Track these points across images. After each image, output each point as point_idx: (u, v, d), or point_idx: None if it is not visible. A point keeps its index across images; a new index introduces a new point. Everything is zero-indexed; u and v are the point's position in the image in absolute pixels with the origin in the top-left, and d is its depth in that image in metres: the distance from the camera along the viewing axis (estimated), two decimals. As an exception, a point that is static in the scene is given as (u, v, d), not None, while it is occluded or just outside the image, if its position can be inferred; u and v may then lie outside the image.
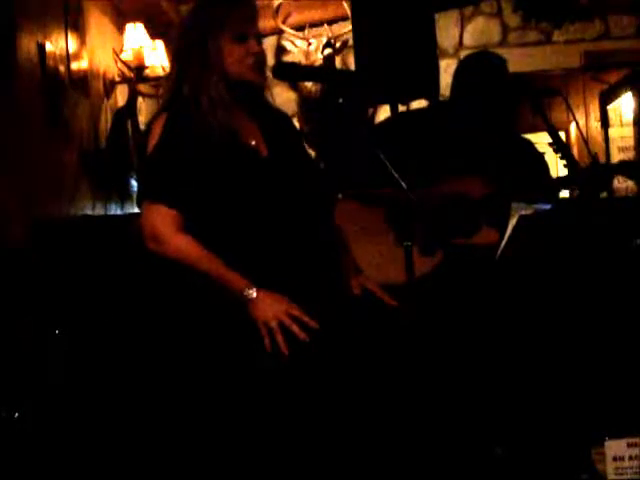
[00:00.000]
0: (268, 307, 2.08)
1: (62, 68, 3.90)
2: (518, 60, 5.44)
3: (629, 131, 5.68)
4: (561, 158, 3.05)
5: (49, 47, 3.71)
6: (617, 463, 2.53)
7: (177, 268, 2.15)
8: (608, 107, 5.90)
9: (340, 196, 3.01)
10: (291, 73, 2.41)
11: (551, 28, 5.96)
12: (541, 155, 3.26)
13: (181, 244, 2.14)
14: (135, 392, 2.82)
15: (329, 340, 2.07)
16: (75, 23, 4.15)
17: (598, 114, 6.12)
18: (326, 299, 2.18)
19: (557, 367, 2.90)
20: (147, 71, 4.77)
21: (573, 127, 6.39)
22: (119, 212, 4.56)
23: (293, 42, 5.59)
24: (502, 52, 3.60)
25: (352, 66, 4.80)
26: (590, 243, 3.00)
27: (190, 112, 2.21)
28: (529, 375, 2.86)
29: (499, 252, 2.67)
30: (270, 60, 2.61)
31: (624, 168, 3.09)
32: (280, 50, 5.79)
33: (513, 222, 2.61)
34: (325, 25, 5.61)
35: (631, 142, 5.66)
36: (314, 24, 5.66)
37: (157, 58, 4.80)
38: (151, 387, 2.60)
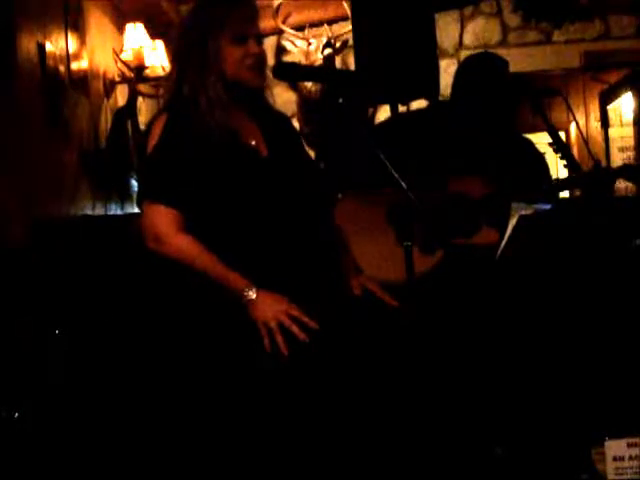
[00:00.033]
0: (268, 307, 2.08)
1: (62, 68, 3.90)
2: (518, 60, 5.44)
3: (629, 131, 5.68)
4: (561, 158, 3.05)
5: (49, 47, 3.71)
6: (617, 463, 2.53)
7: (177, 268, 2.15)
8: (608, 107, 5.90)
9: (340, 196, 3.01)
10: (291, 73, 2.41)
11: (551, 28, 5.96)
12: (541, 155, 3.26)
13: (181, 244, 2.15)
14: (135, 392, 2.82)
15: (329, 340, 2.07)
16: (75, 23, 4.15)
17: (598, 114, 6.12)
18: (326, 299, 2.18)
19: (557, 367, 2.90)
20: (147, 71, 4.76)
21: (573, 127, 6.39)
22: (119, 212, 4.56)
23: (293, 42, 5.59)
24: (502, 52, 3.61)
25: (352, 66, 4.80)
26: (590, 243, 3.00)
27: (190, 112, 2.21)
28: (529, 375, 2.86)
29: (499, 252, 2.67)
30: (270, 60, 2.60)
31: (626, 172, 3.09)
32: (280, 50, 5.79)
33: (513, 222, 2.61)
34: (325, 25, 5.61)
35: (631, 142, 5.66)
36: (314, 24, 5.65)
37: (157, 58, 4.80)
38: (151, 387, 2.60)
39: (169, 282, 2.24)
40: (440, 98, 3.26)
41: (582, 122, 6.36)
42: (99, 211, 4.28)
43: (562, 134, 3.61)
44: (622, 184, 4.79)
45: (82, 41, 4.26)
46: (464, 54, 5.54)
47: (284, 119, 2.49)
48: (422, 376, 2.21)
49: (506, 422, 2.82)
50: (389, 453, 2.11)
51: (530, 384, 2.86)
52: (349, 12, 4.36)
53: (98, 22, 4.63)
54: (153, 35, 4.81)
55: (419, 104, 3.70)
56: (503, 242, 2.65)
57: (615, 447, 2.53)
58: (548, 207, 2.74)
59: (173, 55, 2.43)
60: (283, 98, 5.50)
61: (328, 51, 5.48)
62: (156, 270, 2.24)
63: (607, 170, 3.30)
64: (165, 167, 2.18)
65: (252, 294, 2.09)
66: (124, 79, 4.80)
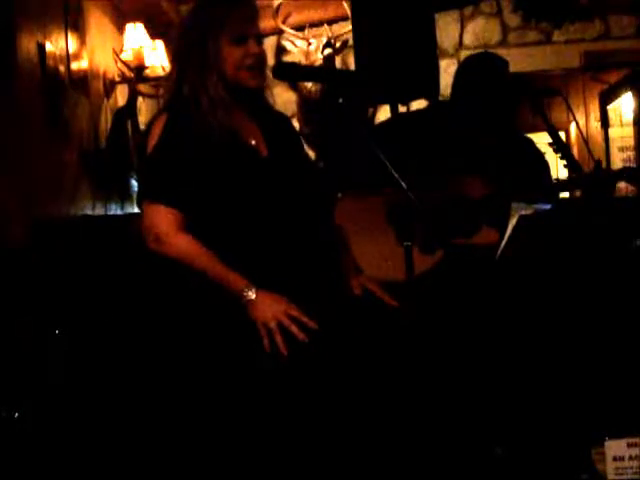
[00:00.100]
0: (267, 307, 2.08)
1: (62, 68, 3.90)
2: (518, 60, 5.44)
3: (629, 131, 5.68)
4: (561, 158, 3.05)
5: (49, 47, 3.70)
6: (617, 463, 2.53)
7: (177, 268, 2.15)
8: (608, 107, 5.90)
9: (340, 196, 3.01)
10: (291, 73, 2.41)
11: (551, 28, 5.96)
12: (542, 154, 3.26)
13: (181, 244, 2.15)
14: (135, 392, 2.82)
15: (328, 340, 2.07)
16: (75, 23, 4.15)
17: (598, 114, 6.12)
18: (326, 299, 2.18)
19: (557, 367, 2.90)
20: (147, 71, 4.76)
21: (573, 127, 6.39)
22: (119, 212, 4.56)
23: (293, 42, 5.59)
24: (502, 52, 3.61)
25: (352, 66, 4.80)
26: (590, 243, 3.00)
27: (190, 112, 2.21)
28: (529, 375, 2.86)
29: (499, 252, 2.67)
30: (270, 60, 2.61)
31: (627, 174, 3.09)
32: (280, 50, 5.79)
33: (513, 222, 2.61)
34: (325, 25, 5.61)
35: (631, 142, 5.66)
36: (314, 24, 5.66)
37: (157, 58, 4.80)
38: (151, 387, 2.60)
39: (169, 282, 2.24)
40: (440, 98, 3.26)
41: (582, 122, 6.36)
42: (99, 211, 4.28)
43: (562, 134, 3.61)
44: (622, 184, 4.80)
45: (82, 41, 4.26)
46: (464, 54, 5.54)
47: (284, 119, 2.49)
48: (422, 376, 2.21)
49: (506, 422, 2.82)
50: (389, 453, 2.11)
51: (530, 384, 2.86)
52: (349, 12, 4.36)
53: (98, 22, 4.63)
54: (153, 35, 4.81)
55: (419, 104, 3.70)
56: (503, 242, 2.65)
57: (615, 447, 2.53)
58: (548, 207, 2.74)
59: (173, 55, 2.43)
60: (283, 98, 5.50)
61: (328, 51, 5.48)
62: (156, 270, 2.24)
63: (608, 172, 3.30)
64: (165, 167, 2.18)
65: (252, 294, 2.09)
66: (124, 79, 4.80)
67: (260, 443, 2.03)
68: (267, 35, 5.49)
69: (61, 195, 3.81)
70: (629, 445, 2.53)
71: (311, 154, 5.20)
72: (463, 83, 3.20)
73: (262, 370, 2.05)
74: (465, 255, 2.90)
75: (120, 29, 4.90)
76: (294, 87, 5.67)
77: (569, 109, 3.39)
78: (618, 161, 5.73)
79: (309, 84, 5.49)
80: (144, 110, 5.06)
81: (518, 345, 2.86)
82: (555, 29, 5.95)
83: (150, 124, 2.29)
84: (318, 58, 5.48)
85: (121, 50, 4.78)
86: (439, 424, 2.35)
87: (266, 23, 5.22)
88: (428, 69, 3.02)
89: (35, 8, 3.65)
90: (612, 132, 5.86)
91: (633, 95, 5.52)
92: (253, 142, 2.28)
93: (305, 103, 5.65)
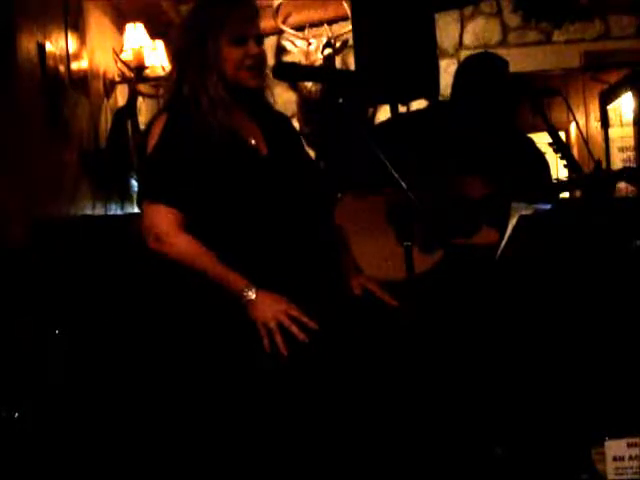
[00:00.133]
0: (267, 307, 2.08)
1: (62, 68, 3.90)
2: (518, 60, 5.44)
3: (629, 131, 5.68)
4: (561, 158, 3.05)
5: (49, 47, 3.70)
6: (617, 463, 2.53)
7: (177, 268, 2.15)
8: (608, 107, 5.90)
9: (340, 196, 3.01)
10: (291, 73, 2.41)
11: (551, 28, 5.96)
12: (542, 154, 3.26)
13: (182, 243, 2.15)
14: (135, 392, 2.82)
15: (328, 341, 2.07)
16: (75, 23, 4.15)
17: (598, 114, 6.12)
18: (326, 299, 2.18)
19: (557, 367, 2.90)
20: (147, 71, 4.76)
21: (573, 127, 6.39)
22: (119, 212, 4.56)
23: (293, 42, 5.59)
24: (502, 52, 3.61)
25: (352, 66, 4.80)
26: (590, 243, 3.00)
27: (190, 112, 2.21)
28: (529, 375, 2.86)
29: (499, 252, 2.67)
30: (270, 60, 2.61)
31: (627, 174, 3.09)
32: (280, 50, 5.79)
33: (513, 222, 2.61)
34: (325, 25, 5.61)
35: (631, 142, 5.66)
36: (314, 24, 5.66)
37: (157, 58, 4.80)
38: (151, 387, 2.60)
39: (169, 282, 2.24)
40: (440, 98, 3.26)
41: (582, 122, 6.36)
42: (99, 211, 4.28)
43: (562, 134, 3.61)
44: (622, 184, 4.80)
45: (82, 41, 4.26)
46: (464, 54, 5.54)
47: (284, 119, 2.49)
48: (422, 376, 2.21)
49: (506, 422, 2.82)
50: (389, 453, 2.11)
51: (530, 384, 2.86)
52: (349, 12, 4.36)
53: (98, 22, 4.63)
54: (153, 35, 4.81)
55: (419, 104, 3.70)
56: (503, 242, 2.65)
57: (615, 447, 2.53)
58: (548, 207, 2.74)
59: (173, 55, 2.43)
60: (283, 98, 5.50)
61: (328, 51, 5.48)
62: (156, 270, 2.24)
63: (608, 172, 3.30)
64: (165, 167, 2.18)
65: (252, 294, 2.09)
66: (124, 79, 4.80)
67: (260, 443, 2.03)
68: (267, 35, 5.48)
69: (61, 195, 3.81)
70: (629, 445, 2.53)
71: (311, 154, 5.20)
72: (463, 83, 3.20)
73: (262, 370, 2.05)
74: (465, 255, 2.90)
75: (120, 29, 4.90)
76: (294, 87, 5.67)
77: (569, 109, 3.39)
78: (618, 161, 5.73)
79: (309, 84, 5.49)
80: (144, 110, 5.06)
81: (518, 345, 2.86)
82: (555, 29, 5.95)
83: (150, 124, 2.29)
84: (318, 58, 5.48)
85: (121, 50, 4.78)
86: (439, 424, 2.35)
87: (266, 23, 5.22)
88: (428, 69, 3.02)
89: (35, 8, 3.65)
90: (612, 132, 5.86)
91: (633, 95, 5.52)
92: (253, 142, 2.28)
93: (305, 103, 5.65)
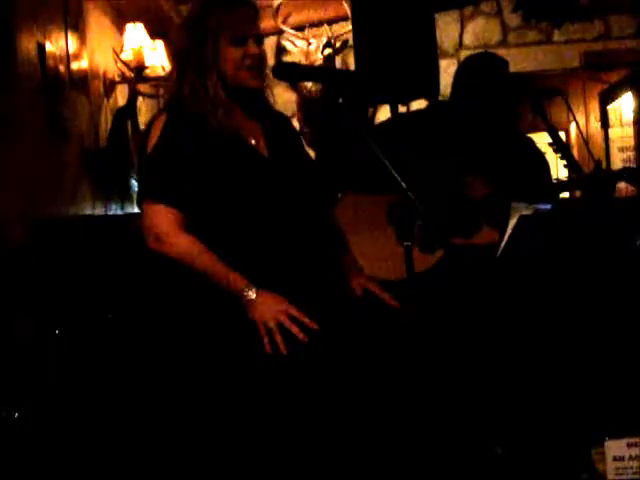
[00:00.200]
0: (267, 308, 2.08)
1: (62, 68, 3.90)
2: (518, 60, 5.44)
3: (629, 131, 5.68)
4: (561, 158, 3.05)
5: (49, 47, 3.70)
6: (617, 463, 2.53)
7: (177, 268, 2.15)
8: (608, 107, 5.91)
9: (340, 196, 3.01)
10: (291, 73, 2.41)
11: (551, 28, 5.96)
12: (542, 154, 3.26)
13: (182, 243, 2.15)
14: (135, 392, 2.82)
15: (328, 341, 2.07)
16: (75, 23, 4.14)
17: (598, 114, 6.12)
18: (326, 299, 2.18)
19: (557, 367, 2.90)
20: (147, 71, 4.76)
21: (573, 127, 6.40)
22: (119, 212, 4.55)
23: (293, 42, 5.59)
24: (502, 52, 3.62)
25: (352, 66, 4.80)
26: (590, 243, 3.00)
27: (190, 112, 2.21)
28: (529, 375, 2.86)
29: (499, 252, 2.67)
30: (270, 60, 2.61)
31: (627, 174, 3.09)
32: (280, 50, 5.79)
33: (513, 222, 2.61)
34: (325, 25, 5.61)
35: (631, 142, 5.66)
36: (314, 24, 5.65)
37: (157, 58, 4.79)
38: (151, 387, 2.60)
39: (169, 282, 2.24)
40: (440, 98, 3.26)
41: (582, 122, 6.36)
42: (99, 211, 4.27)
43: (562, 134, 3.61)
44: (622, 184, 4.80)
45: (82, 41, 4.26)
46: (464, 54, 5.54)
47: (284, 119, 2.49)
48: (422, 376, 2.21)
49: (506, 422, 2.82)
50: (389, 453, 2.11)
51: (530, 384, 2.86)
52: (349, 12, 4.36)
53: (98, 22, 4.62)
54: (153, 35, 4.81)
55: (419, 104, 3.70)
56: (503, 242, 2.65)
57: (615, 447, 2.53)
58: (548, 207, 2.74)
59: (173, 55, 2.44)
60: (283, 98, 5.50)
61: (328, 51, 5.48)
62: (156, 270, 2.24)
63: (608, 173, 3.30)
64: (165, 167, 2.18)
65: (252, 294, 2.09)
66: (124, 79, 4.80)
67: (260, 443, 2.03)
68: (267, 35, 5.48)
69: (61, 195, 3.80)
70: (629, 445, 2.53)
71: (311, 154, 5.20)
72: (463, 83, 3.20)
73: (262, 370, 2.05)
74: (465, 255, 2.90)
75: (120, 29, 4.89)
76: (294, 87, 5.67)
77: (569, 109, 3.39)
78: (618, 161, 5.74)
79: (309, 84, 5.49)
80: (144, 110, 5.05)
81: (518, 345, 2.86)
82: (555, 29, 5.95)
83: (150, 124, 2.29)
84: (318, 58, 5.48)
85: (121, 50, 4.78)
86: (439, 424, 2.35)
87: (266, 23, 5.21)
88: (428, 69, 3.02)
89: (35, 8, 3.65)
90: (612, 132, 5.87)
91: (633, 95, 5.52)
92: (253, 142, 2.28)
93: (305, 103, 5.65)
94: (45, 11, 3.77)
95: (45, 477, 2.62)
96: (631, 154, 5.66)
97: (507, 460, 2.69)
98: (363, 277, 2.35)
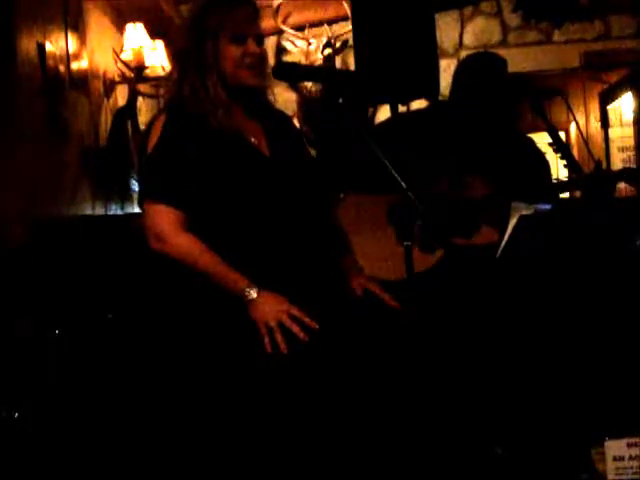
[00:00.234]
0: (268, 307, 2.08)
1: (62, 68, 3.90)
2: (518, 60, 5.44)
3: (629, 131, 5.68)
4: (561, 158, 3.05)
5: (49, 47, 3.70)
6: (617, 463, 2.53)
7: (177, 268, 2.15)
8: (608, 107, 5.91)
9: (341, 196, 3.01)
10: (291, 73, 2.41)
11: (551, 28, 5.96)
12: (542, 154, 3.26)
13: (183, 243, 2.15)
14: (135, 392, 2.82)
15: (329, 340, 2.07)
16: (75, 23, 4.15)
17: (598, 114, 6.13)
18: (326, 299, 2.18)
19: (557, 367, 2.90)
20: (147, 71, 4.76)
21: (573, 127, 6.40)
22: (119, 212, 4.56)
23: (293, 42, 5.60)
24: (502, 52, 3.60)
25: (352, 66, 4.80)
26: (590, 243, 3.00)
27: (190, 112, 2.21)
28: (529, 375, 2.86)
29: (499, 252, 2.67)
30: (270, 60, 2.61)
31: (627, 175, 3.09)
32: (280, 50, 5.79)
33: (513, 222, 2.61)
34: (325, 25, 5.62)
35: (631, 142, 5.66)
36: (314, 24, 5.66)
37: (157, 58, 4.79)
38: (151, 387, 2.60)
39: (170, 282, 2.24)
40: (440, 98, 3.26)
41: (582, 122, 6.36)
42: (99, 211, 4.28)
43: (562, 134, 3.60)
44: (622, 184, 4.80)
45: (82, 41, 4.26)
46: (464, 54, 5.53)
47: (285, 118, 2.49)
48: (422, 376, 2.21)
49: (506, 422, 2.82)
50: (389, 453, 2.11)
51: (530, 384, 2.86)
52: (349, 12, 4.36)
53: (98, 22, 4.62)
54: (153, 35, 4.81)
55: (419, 104, 3.70)
56: (503, 242, 2.65)
57: (615, 447, 2.53)
58: (548, 207, 2.74)
59: (173, 55, 2.44)
60: (283, 98, 5.49)
61: (328, 51, 5.48)
62: (157, 270, 2.24)
63: (608, 173, 3.30)
64: (166, 167, 2.18)
65: (253, 294, 2.09)
66: (124, 79, 4.80)
67: (261, 442, 2.03)
68: (267, 35, 5.48)
69: (61, 195, 3.81)
70: (629, 445, 2.53)
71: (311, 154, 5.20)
72: (463, 83, 3.20)
73: (263, 370, 2.05)
74: (465, 255, 2.90)
75: (120, 29, 4.89)
76: (294, 87, 5.67)
77: (569, 109, 3.39)
78: (618, 161, 5.74)
79: (309, 84, 5.49)
80: (144, 110, 5.05)
81: (518, 345, 2.86)
82: (555, 29, 5.95)
83: (150, 124, 2.29)
84: (318, 58, 5.49)
85: (121, 50, 4.78)
86: (439, 424, 2.35)
87: (266, 23, 5.21)
88: (428, 69, 3.02)
89: (35, 8, 3.65)
90: (612, 132, 5.87)
91: (633, 95, 5.52)
92: (254, 141, 2.28)
93: (305, 103, 5.65)
94: (45, 11, 3.77)
95: (45, 477, 2.62)
96: (631, 154, 5.66)
97: (507, 460, 2.69)
98: (363, 277, 2.35)
